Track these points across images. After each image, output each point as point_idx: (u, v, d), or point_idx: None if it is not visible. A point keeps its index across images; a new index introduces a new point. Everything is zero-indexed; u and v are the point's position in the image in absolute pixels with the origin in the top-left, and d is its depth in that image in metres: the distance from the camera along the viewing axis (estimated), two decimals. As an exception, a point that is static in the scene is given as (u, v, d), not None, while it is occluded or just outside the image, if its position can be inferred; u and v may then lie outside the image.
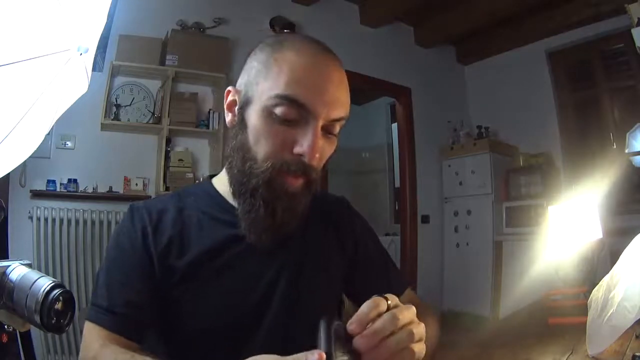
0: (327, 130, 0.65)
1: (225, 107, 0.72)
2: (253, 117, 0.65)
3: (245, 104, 0.67)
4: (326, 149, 0.66)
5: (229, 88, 0.72)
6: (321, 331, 0.42)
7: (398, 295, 0.50)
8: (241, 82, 0.70)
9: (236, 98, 0.70)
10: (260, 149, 0.64)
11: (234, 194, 0.70)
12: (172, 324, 0.70)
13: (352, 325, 0.44)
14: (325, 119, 0.63)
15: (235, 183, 0.69)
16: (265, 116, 0.64)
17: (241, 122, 0.67)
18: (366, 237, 0.86)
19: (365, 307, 0.45)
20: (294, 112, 0.62)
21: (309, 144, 0.62)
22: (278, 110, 0.62)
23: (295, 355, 0.41)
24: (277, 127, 0.63)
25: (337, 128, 0.66)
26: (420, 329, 0.48)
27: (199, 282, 0.69)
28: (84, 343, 0.67)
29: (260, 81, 0.65)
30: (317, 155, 0.62)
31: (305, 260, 0.74)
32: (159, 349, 0.70)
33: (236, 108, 0.69)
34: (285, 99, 0.62)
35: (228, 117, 0.71)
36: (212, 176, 0.80)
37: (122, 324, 0.65)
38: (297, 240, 0.74)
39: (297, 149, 0.62)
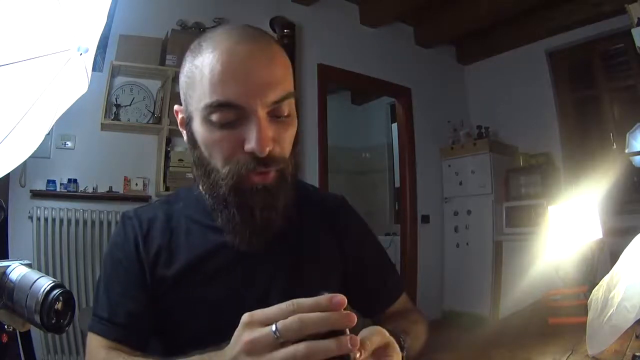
0: (275, 115, 0.63)
1: (179, 126, 0.72)
2: (198, 131, 0.64)
3: (189, 120, 0.66)
4: (283, 133, 0.64)
5: (175, 107, 0.71)
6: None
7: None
8: (182, 99, 0.69)
9: (183, 116, 0.69)
10: (215, 158, 0.63)
11: (211, 209, 0.69)
12: (168, 330, 0.70)
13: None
14: (264, 105, 0.60)
15: (209, 198, 0.68)
16: (206, 126, 0.63)
17: (191, 138, 0.66)
18: (365, 238, 0.85)
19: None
20: (229, 113, 0.60)
21: (255, 138, 0.59)
22: (214, 118, 0.61)
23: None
24: (220, 134, 0.62)
25: (285, 109, 0.63)
26: None
27: (190, 290, 0.68)
28: (89, 352, 0.67)
29: (191, 94, 0.64)
30: (268, 148, 0.60)
31: (301, 260, 0.73)
32: (159, 352, 0.70)
33: (185, 125, 0.69)
34: (215, 105, 0.60)
35: (184, 135, 0.70)
36: None
37: (123, 334, 0.66)
38: (293, 240, 0.73)
39: (247, 147, 0.61)
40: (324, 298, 0.40)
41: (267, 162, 0.62)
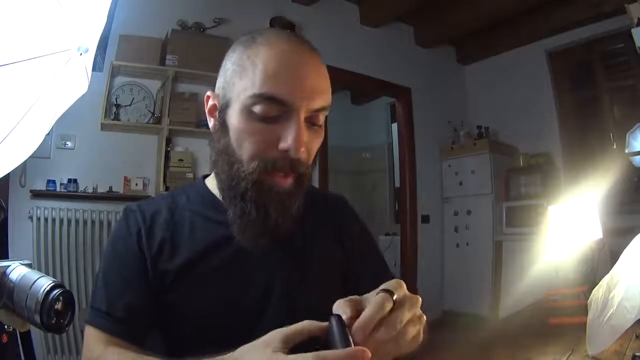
0: (310, 122, 0.64)
1: (206, 112, 0.71)
2: (233, 118, 0.64)
3: (225, 106, 0.66)
4: (313, 141, 0.65)
5: (208, 93, 0.71)
6: (335, 329, 0.42)
7: None
8: (219, 85, 0.69)
9: (216, 102, 0.69)
10: (245, 150, 0.63)
11: (224, 199, 0.69)
12: (170, 324, 0.70)
13: (357, 332, 0.43)
14: (307, 110, 0.62)
15: (225, 188, 0.68)
16: (245, 116, 0.63)
17: (222, 125, 0.66)
18: (362, 238, 0.85)
19: (370, 310, 0.44)
20: (273, 108, 0.61)
21: (293, 138, 0.60)
22: (257, 109, 0.61)
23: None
24: (258, 126, 0.62)
25: (321, 118, 0.65)
26: (415, 329, 0.47)
27: (193, 284, 0.68)
28: (86, 346, 0.67)
29: (236, 81, 0.64)
30: (303, 149, 0.61)
31: (303, 259, 0.73)
32: (159, 348, 0.70)
33: (217, 112, 0.68)
34: (263, 97, 0.61)
35: (210, 122, 0.70)
36: (206, 176, 0.80)
37: (121, 328, 0.65)
38: (295, 239, 0.73)
39: (282, 145, 0.61)
40: (351, 355, 0.40)
41: (293, 165, 0.63)
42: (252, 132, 0.63)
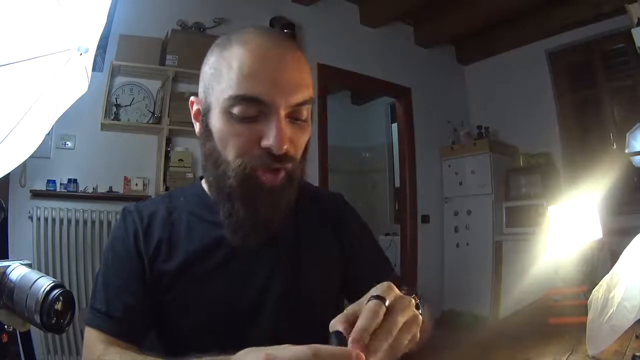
0: (293, 117, 0.63)
1: (192, 117, 0.72)
2: (215, 122, 0.64)
3: (207, 111, 0.66)
4: (298, 136, 0.65)
5: (192, 98, 0.71)
6: (334, 343, 0.41)
7: None
8: (201, 90, 0.69)
9: (199, 107, 0.69)
10: (229, 151, 0.63)
11: (214, 201, 0.69)
12: (167, 324, 0.70)
13: (354, 343, 0.41)
14: (287, 106, 0.61)
15: (214, 190, 0.69)
16: (225, 119, 0.63)
17: (206, 129, 0.66)
18: (362, 235, 0.85)
19: (363, 320, 0.42)
20: (252, 108, 0.61)
21: (274, 135, 0.60)
22: (236, 110, 0.61)
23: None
24: (239, 127, 0.62)
25: (304, 113, 0.65)
26: (409, 333, 0.46)
27: (190, 284, 0.68)
28: (86, 347, 0.67)
29: (214, 85, 0.64)
30: (285, 146, 0.61)
31: (300, 258, 0.73)
32: (157, 347, 0.70)
33: (201, 117, 0.68)
34: (240, 98, 0.61)
35: (196, 127, 0.71)
36: (203, 177, 0.80)
37: (121, 328, 0.66)
38: (291, 238, 0.73)
39: (264, 143, 0.61)
40: (345, 353, 0.39)
41: (280, 160, 0.62)
42: (233, 133, 0.62)
